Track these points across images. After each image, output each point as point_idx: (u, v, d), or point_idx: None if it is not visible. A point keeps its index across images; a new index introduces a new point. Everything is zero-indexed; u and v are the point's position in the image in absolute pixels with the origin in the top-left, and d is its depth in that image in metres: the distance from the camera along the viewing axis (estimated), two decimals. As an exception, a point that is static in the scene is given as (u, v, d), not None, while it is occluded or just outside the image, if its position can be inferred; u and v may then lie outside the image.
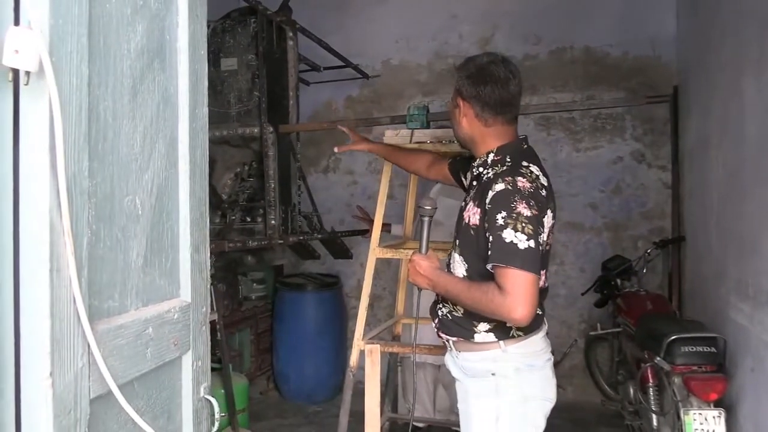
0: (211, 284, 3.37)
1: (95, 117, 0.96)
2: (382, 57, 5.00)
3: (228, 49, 3.49)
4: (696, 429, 2.57)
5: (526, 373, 1.82)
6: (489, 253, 1.69)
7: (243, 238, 3.38)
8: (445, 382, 3.72)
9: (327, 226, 4.30)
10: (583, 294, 4.12)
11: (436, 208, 2.04)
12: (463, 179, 2.13)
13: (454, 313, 1.89)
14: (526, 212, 1.66)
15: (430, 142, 2.74)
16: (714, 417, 2.57)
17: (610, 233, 4.52)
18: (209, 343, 1.33)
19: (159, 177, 1.16)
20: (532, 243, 1.65)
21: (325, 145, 5.14)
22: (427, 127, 2.83)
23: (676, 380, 2.70)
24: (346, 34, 4.87)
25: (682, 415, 2.60)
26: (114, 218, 1.01)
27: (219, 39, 3.50)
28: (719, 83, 3.24)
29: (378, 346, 2.60)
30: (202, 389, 1.28)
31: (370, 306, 4.93)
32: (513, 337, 1.80)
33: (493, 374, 1.81)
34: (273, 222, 3.35)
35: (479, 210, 1.77)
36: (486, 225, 1.72)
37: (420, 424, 3.80)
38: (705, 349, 2.67)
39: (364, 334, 2.73)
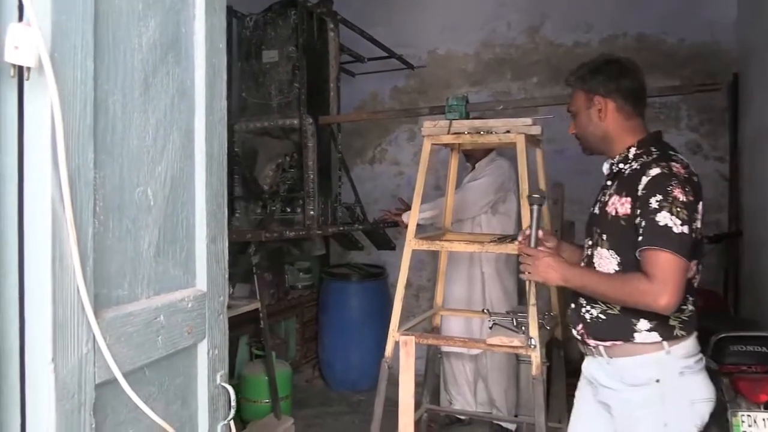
0: (256, 273, 3.49)
1: (103, 110, 0.98)
2: (429, 47, 4.96)
3: (269, 42, 3.53)
4: (744, 431, 2.46)
5: (690, 375, 1.73)
6: (640, 238, 1.66)
7: (281, 228, 3.42)
8: (484, 374, 3.69)
9: (374, 217, 4.31)
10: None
11: (545, 197, 2.05)
12: None
13: (609, 311, 1.79)
14: (682, 197, 1.63)
15: (468, 132, 2.70)
16: (764, 419, 2.45)
17: (663, 226, 4.35)
18: (227, 332, 1.35)
19: (173, 168, 1.18)
20: (686, 229, 1.61)
21: (371, 135, 5.15)
22: (467, 117, 2.80)
23: (724, 380, 2.58)
24: (393, 24, 4.86)
25: (729, 416, 2.49)
26: (124, 209, 1.04)
27: (261, 31, 3.55)
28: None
29: (413, 337, 2.57)
30: (218, 377, 1.31)
31: (415, 297, 4.96)
32: (677, 337, 1.72)
33: (657, 381, 1.72)
34: (312, 212, 3.38)
35: (629, 199, 1.72)
36: (638, 211, 1.68)
37: (462, 417, 3.78)
38: (755, 349, 2.54)
39: (401, 325, 2.73)
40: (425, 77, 4.98)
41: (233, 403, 1.33)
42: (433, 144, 2.79)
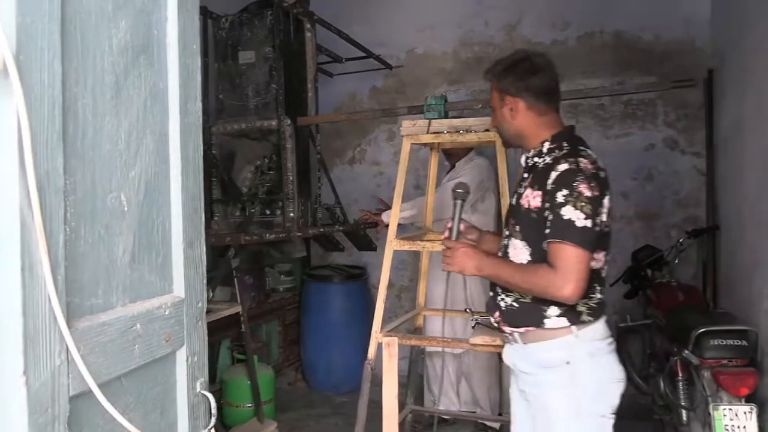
0: (236, 276, 3.45)
1: (73, 114, 0.95)
2: (407, 46, 4.95)
3: (246, 42, 3.49)
4: (726, 425, 2.48)
5: (599, 357, 1.82)
6: (547, 231, 1.74)
7: (261, 230, 3.39)
8: (467, 373, 3.69)
9: (353, 218, 4.29)
10: (611, 285, 4.01)
11: (469, 192, 2.10)
12: None
13: (521, 300, 1.87)
14: (587, 192, 1.70)
15: (447, 132, 2.70)
16: (745, 413, 2.48)
17: (642, 222, 4.40)
18: (206, 339, 1.32)
19: (147, 173, 1.15)
20: (589, 222, 1.69)
21: (350, 136, 5.13)
22: (445, 116, 2.79)
23: (706, 374, 2.62)
24: (370, 24, 4.84)
25: (711, 410, 2.52)
26: (96, 215, 1.01)
27: (237, 32, 3.51)
28: (755, 65, 3.11)
29: (395, 338, 2.57)
30: (198, 384, 1.28)
31: (397, 297, 4.95)
32: (584, 322, 1.81)
33: (567, 363, 1.80)
34: (291, 214, 3.35)
35: (540, 192, 1.79)
36: (547, 204, 1.75)
37: (446, 417, 3.77)
38: (735, 342, 2.58)
39: (384, 326, 2.72)
40: (403, 77, 4.96)
41: (214, 411, 1.30)
42: (412, 144, 2.78)
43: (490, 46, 4.75)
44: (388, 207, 3.64)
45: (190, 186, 1.27)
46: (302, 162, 3.60)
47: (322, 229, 3.72)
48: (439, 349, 3.57)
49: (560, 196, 1.71)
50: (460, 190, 2.07)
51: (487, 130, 2.62)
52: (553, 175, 1.75)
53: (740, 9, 3.42)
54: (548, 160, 1.83)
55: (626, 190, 4.41)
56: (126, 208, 1.09)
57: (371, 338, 2.66)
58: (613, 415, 1.84)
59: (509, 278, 1.83)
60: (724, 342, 2.58)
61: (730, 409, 2.48)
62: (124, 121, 1.09)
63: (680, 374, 2.84)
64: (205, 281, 1.32)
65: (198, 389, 1.28)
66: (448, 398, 3.75)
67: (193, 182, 1.28)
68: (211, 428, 1.30)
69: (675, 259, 3.70)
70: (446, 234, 2.07)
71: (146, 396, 1.14)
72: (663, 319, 3.23)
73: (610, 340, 1.87)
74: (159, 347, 1.15)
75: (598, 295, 1.85)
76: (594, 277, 1.80)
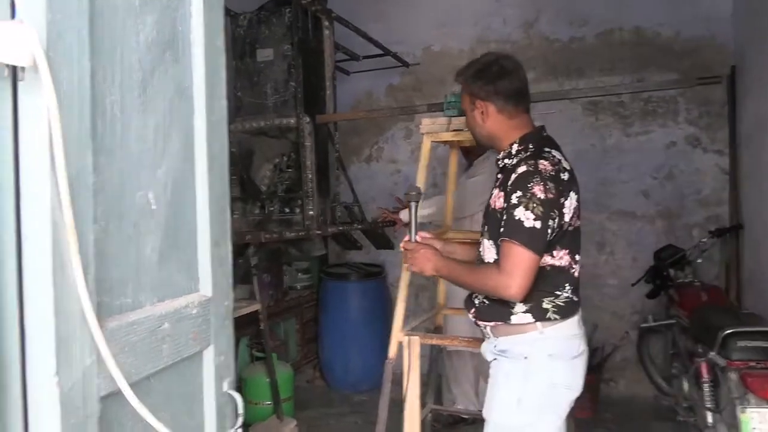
0: (255, 274, 3.44)
1: (101, 111, 0.94)
2: (424, 44, 4.92)
3: (264, 40, 3.48)
4: (754, 428, 2.43)
5: (559, 360, 1.84)
6: (501, 230, 1.79)
7: (280, 229, 3.38)
8: (485, 373, 3.66)
9: (371, 216, 4.28)
10: (633, 284, 3.98)
11: (421, 194, 2.19)
12: None
13: (491, 297, 1.91)
14: (540, 194, 1.73)
15: (467, 129, 2.66)
16: (773, 415, 2.43)
17: (664, 221, 4.34)
18: (233, 338, 1.31)
19: (174, 171, 1.14)
20: (538, 224, 1.72)
21: (367, 134, 5.11)
22: (465, 114, 2.76)
23: (732, 376, 2.56)
24: (387, 21, 4.82)
25: (738, 413, 2.47)
26: (125, 214, 1.00)
27: (255, 30, 3.50)
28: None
29: (417, 338, 2.55)
30: (225, 384, 1.27)
31: (415, 296, 4.92)
32: (549, 319, 1.84)
33: (525, 357, 1.84)
34: (311, 213, 3.34)
35: (503, 193, 1.84)
36: (505, 205, 1.81)
37: (465, 416, 3.75)
38: (763, 344, 2.52)
39: (405, 325, 2.69)
40: (420, 74, 4.94)
41: (240, 411, 1.29)
42: (432, 141, 2.75)
43: (507, 44, 4.71)
44: (406, 206, 3.62)
45: (216, 185, 1.26)
46: (321, 160, 3.59)
47: (341, 228, 3.71)
48: (459, 348, 3.54)
49: (514, 198, 1.76)
50: (413, 193, 2.14)
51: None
52: (513, 177, 1.80)
53: (763, 5, 3.36)
54: (514, 161, 1.88)
55: (646, 188, 4.36)
56: (154, 207, 1.08)
57: (392, 337, 2.63)
58: (559, 420, 1.87)
59: (464, 279, 1.91)
60: (752, 343, 2.52)
61: (758, 412, 2.43)
62: (151, 118, 1.07)
63: (706, 376, 2.79)
64: (231, 280, 1.31)
65: (225, 389, 1.27)
66: (467, 398, 3.73)
67: (219, 181, 1.27)
68: (238, 428, 1.29)
69: (698, 259, 3.64)
70: (406, 236, 2.14)
71: (174, 396, 1.13)
72: (686, 319, 3.18)
73: (579, 342, 1.89)
74: (187, 346, 1.14)
75: (567, 294, 1.87)
76: (561, 276, 1.85)
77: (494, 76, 1.89)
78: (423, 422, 2.87)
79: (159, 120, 1.10)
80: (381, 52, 4.49)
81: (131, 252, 1.02)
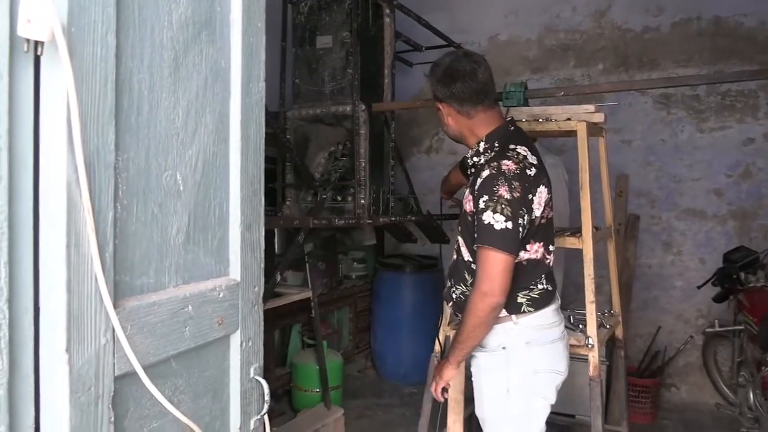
0: (308, 262, 3.45)
1: (127, 90, 0.94)
2: (490, 33, 4.80)
3: (323, 27, 3.46)
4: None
5: (537, 347, 1.88)
6: (475, 235, 1.80)
7: (330, 216, 3.37)
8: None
9: (430, 208, 4.21)
10: (699, 287, 3.77)
11: None
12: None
13: (467, 292, 1.93)
14: (507, 195, 1.74)
15: (526, 120, 2.57)
16: None
17: (736, 222, 4.09)
18: (262, 324, 1.30)
19: (206, 152, 1.13)
20: (509, 224, 1.73)
21: (428, 125, 5.05)
22: (525, 104, 2.66)
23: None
24: (451, 10, 4.73)
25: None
26: (150, 194, 0.99)
27: (315, 17, 3.49)
28: None
29: (463, 333, 2.49)
30: (252, 370, 1.26)
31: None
32: (524, 312, 1.87)
33: (503, 348, 1.87)
34: (362, 201, 3.31)
35: (472, 197, 1.85)
36: (474, 210, 1.82)
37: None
38: None
39: (452, 320, 2.64)
40: (485, 64, 4.82)
41: (267, 398, 1.28)
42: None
43: (576, 33, 4.54)
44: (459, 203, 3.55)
45: (250, 167, 1.24)
46: (376, 149, 3.55)
47: (393, 218, 3.66)
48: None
49: (482, 203, 1.77)
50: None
51: (569, 119, 2.48)
52: (478, 181, 1.81)
53: None
54: (482, 160, 1.89)
55: (719, 187, 4.12)
56: (182, 188, 1.07)
57: (439, 331, 2.59)
58: (547, 404, 1.90)
59: (465, 334, 1.84)
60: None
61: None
62: (183, 98, 1.06)
63: (774, 387, 2.63)
64: (263, 266, 1.30)
65: (252, 374, 1.26)
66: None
67: (254, 164, 1.25)
68: (263, 414, 1.28)
69: (772, 263, 3.42)
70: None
71: (197, 379, 1.12)
72: (756, 326, 3.00)
73: (556, 330, 1.92)
74: (211, 330, 1.13)
75: (541, 286, 1.89)
76: (535, 270, 1.87)
77: (447, 79, 1.88)
78: (468, 419, 2.81)
79: (191, 100, 1.09)
80: (444, 42, 4.40)
81: (155, 232, 1.01)
